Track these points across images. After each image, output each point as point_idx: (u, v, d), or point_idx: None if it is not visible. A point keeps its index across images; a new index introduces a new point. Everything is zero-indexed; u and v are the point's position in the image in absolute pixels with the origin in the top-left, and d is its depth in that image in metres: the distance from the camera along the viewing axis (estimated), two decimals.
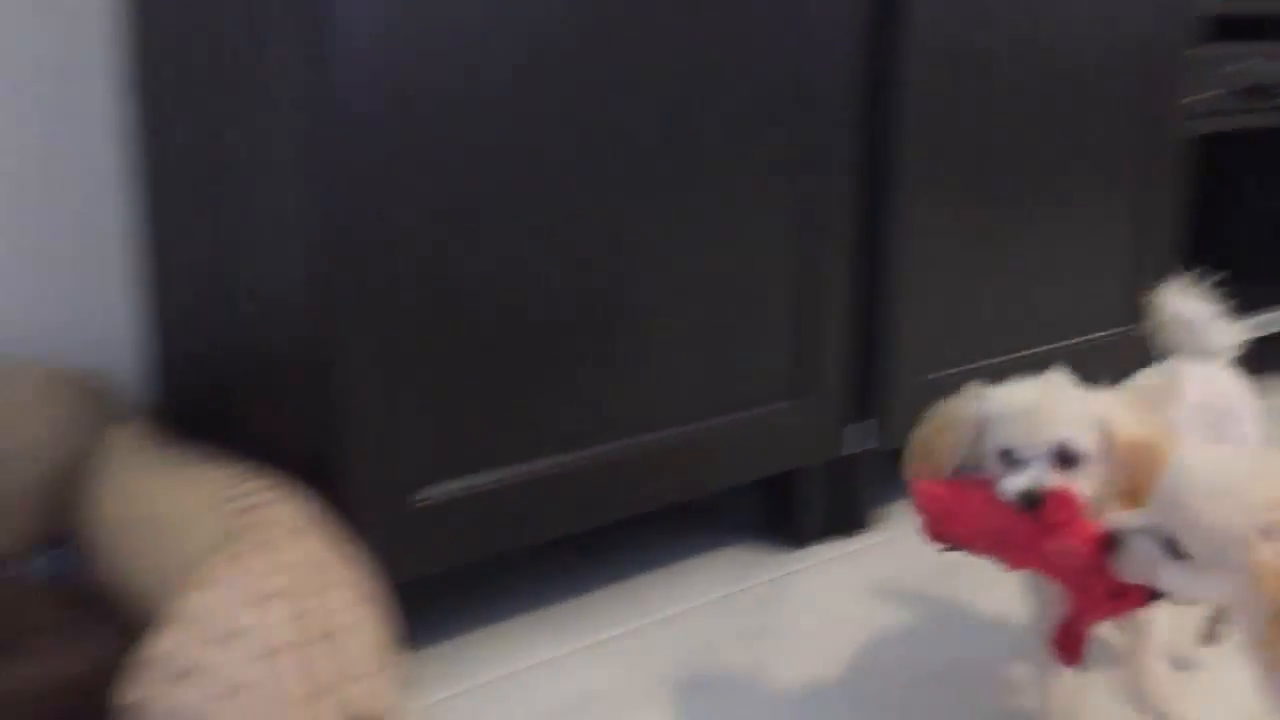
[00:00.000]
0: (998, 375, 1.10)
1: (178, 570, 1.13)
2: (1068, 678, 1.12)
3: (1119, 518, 0.96)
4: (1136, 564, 0.94)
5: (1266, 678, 0.90)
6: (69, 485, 1.46)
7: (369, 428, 1.16)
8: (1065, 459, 1.02)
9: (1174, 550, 0.91)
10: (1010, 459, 1.04)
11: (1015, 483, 1.02)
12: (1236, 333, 1.28)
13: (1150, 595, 0.96)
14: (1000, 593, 1.35)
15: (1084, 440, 1.02)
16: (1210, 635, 1.26)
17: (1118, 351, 1.79)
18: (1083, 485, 1.02)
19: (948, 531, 1.05)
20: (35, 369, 1.49)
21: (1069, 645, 1.01)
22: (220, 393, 1.40)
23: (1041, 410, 1.03)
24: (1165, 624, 1.11)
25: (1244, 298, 1.35)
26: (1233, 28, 1.93)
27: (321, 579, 1.06)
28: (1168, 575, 0.92)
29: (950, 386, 1.12)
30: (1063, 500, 1.00)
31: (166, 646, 0.96)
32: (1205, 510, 0.88)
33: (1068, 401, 1.05)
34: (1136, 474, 1.02)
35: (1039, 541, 1.00)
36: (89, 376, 1.52)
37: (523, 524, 1.29)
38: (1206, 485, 0.89)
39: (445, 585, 1.40)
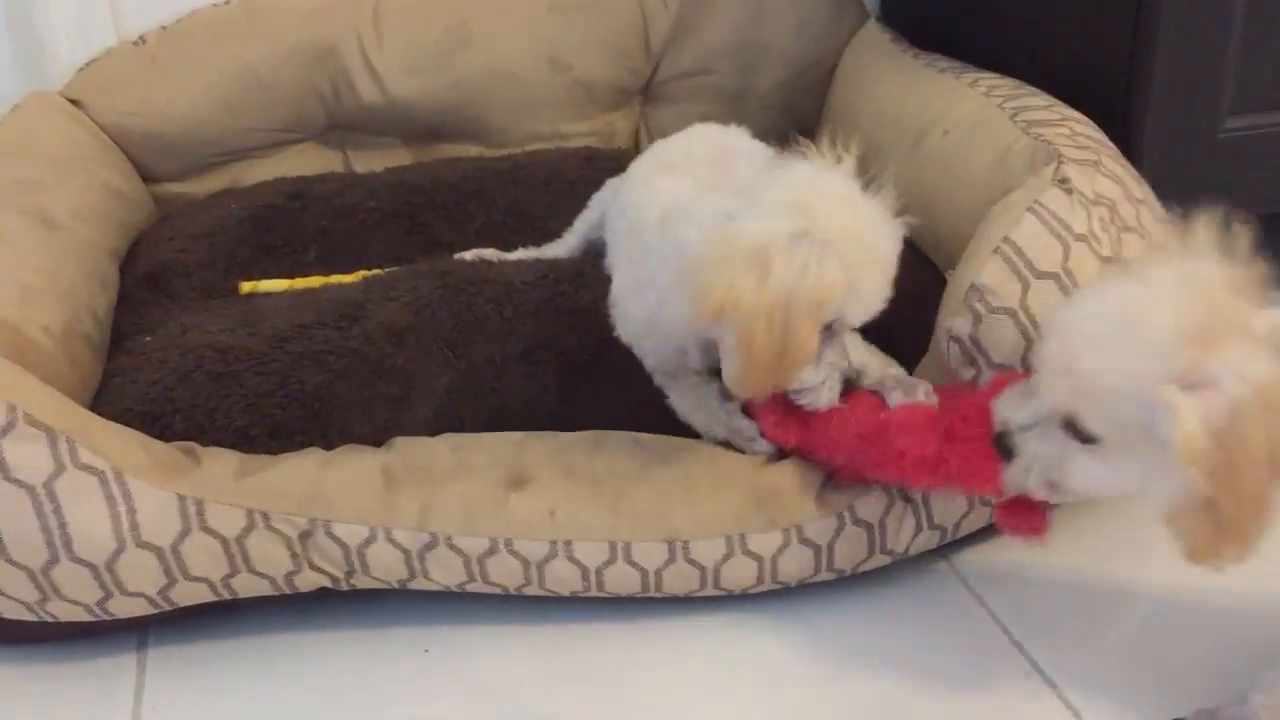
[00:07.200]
0: None
1: (965, 186, 1.13)
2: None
3: (1001, 408, 0.73)
4: (1035, 472, 0.71)
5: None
6: (813, 85, 1.52)
7: (1177, 49, 1.11)
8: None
9: (1077, 434, 0.67)
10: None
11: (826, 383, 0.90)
12: None
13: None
14: None
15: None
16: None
17: None
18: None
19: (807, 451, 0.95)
20: None
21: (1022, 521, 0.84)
22: (959, 4, 1.38)
23: None
24: None
25: None
26: None
27: (1132, 199, 1.05)
28: (1080, 471, 0.69)
29: None
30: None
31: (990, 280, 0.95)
32: (1102, 367, 0.65)
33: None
34: None
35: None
36: None
37: None
38: (1097, 333, 0.66)
39: None
